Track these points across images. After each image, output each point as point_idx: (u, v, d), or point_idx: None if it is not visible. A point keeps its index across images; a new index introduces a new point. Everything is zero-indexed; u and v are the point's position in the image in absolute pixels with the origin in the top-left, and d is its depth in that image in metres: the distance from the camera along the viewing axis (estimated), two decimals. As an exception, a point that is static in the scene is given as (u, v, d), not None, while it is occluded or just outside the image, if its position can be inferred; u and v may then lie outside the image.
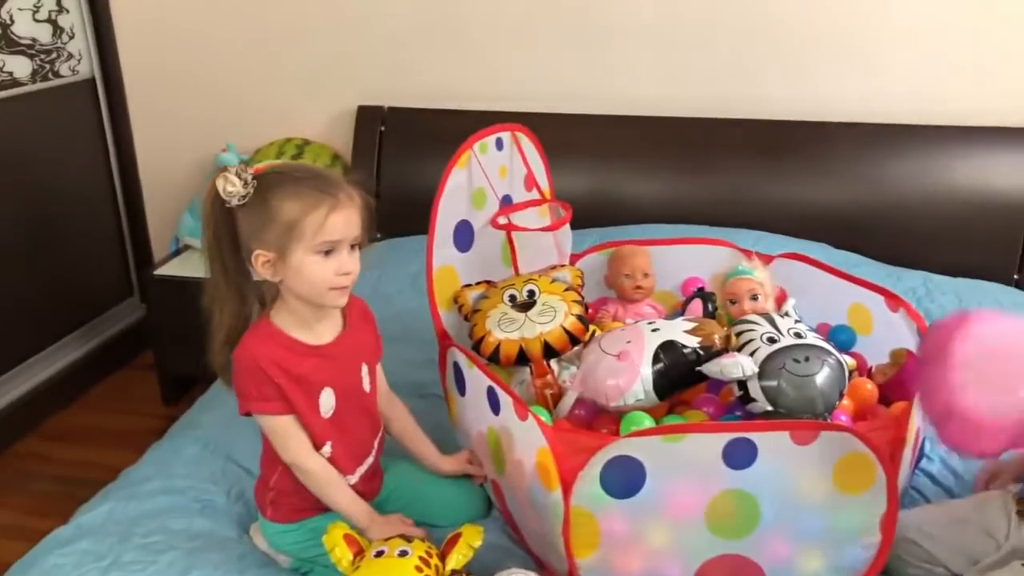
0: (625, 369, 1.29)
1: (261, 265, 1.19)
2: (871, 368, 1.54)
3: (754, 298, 1.61)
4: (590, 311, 1.74)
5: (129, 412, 2.65)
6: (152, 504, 1.42)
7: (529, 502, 1.23)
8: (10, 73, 2.42)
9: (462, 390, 1.42)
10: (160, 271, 2.58)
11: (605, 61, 2.49)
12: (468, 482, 1.45)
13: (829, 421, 1.25)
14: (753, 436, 1.11)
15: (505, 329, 1.42)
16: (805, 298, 1.59)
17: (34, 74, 2.51)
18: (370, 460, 1.35)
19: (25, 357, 2.55)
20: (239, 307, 1.25)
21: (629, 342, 1.32)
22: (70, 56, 2.63)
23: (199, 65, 2.75)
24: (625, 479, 1.13)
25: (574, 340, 1.42)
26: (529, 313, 1.43)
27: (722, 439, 1.11)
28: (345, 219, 1.18)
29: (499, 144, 1.56)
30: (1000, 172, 2.26)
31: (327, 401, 1.26)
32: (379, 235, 2.61)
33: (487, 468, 1.39)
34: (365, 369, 1.33)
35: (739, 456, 1.12)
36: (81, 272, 2.73)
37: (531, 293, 1.47)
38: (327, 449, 1.28)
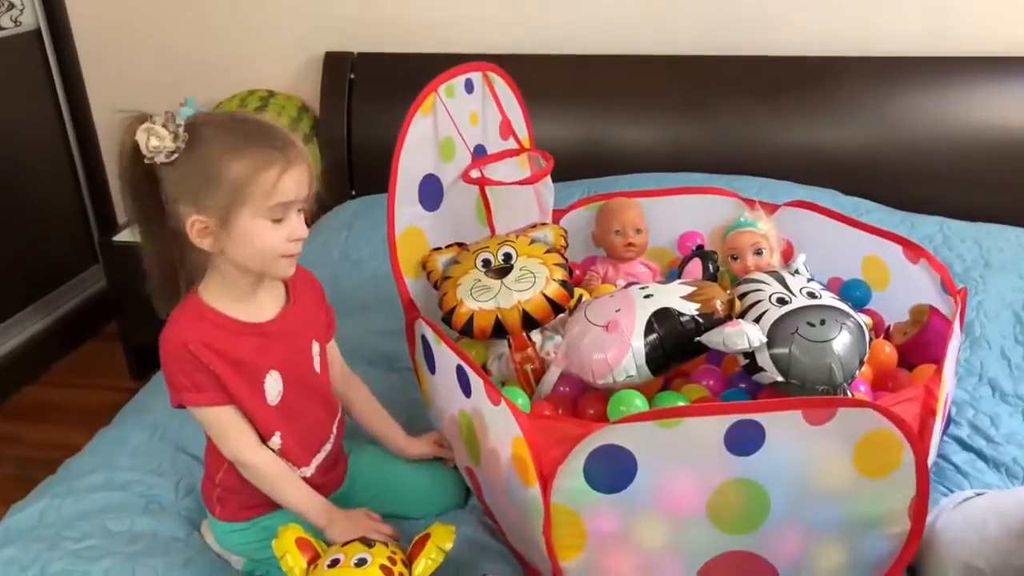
0: (614, 341, 1.13)
1: (197, 233, 1.03)
2: (889, 327, 1.38)
3: (758, 252, 1.45)
4: (576, 273, 1.58)
5: (96, 387, 2.50)
6: (90, 501, 1.28)
7: (506, 496, 1.09)
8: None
9: (432, 367, 1.26)
10: (120, 237, 2.41)
11: (590, -5, 2.29)
12: (442, 467, 1.31)
13: (848, 394, 1.09)
14: (760, 417, 0.96)
15: (479, 298, 1.26)
16: (814, 251, 1.43)
17: (-27, 27, 2.31)
18: (328, 447, 1.20)
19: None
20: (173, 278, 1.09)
21: (618, 311, 1.16)
22: (11, 6, 2.42)
23: (153, 13, 2.54)
24: (613, 471, 0.98)
25: (557, 308, 1.26)
26: (505, 280, 1.27)
27: (724, 422, 0.96)
28: (298, 179, 1.03)
29: (468, 86, 1.38)
30: (1021, 106, 2.08)
31: (273, 387, 1.11)
32: (353, 192, 2.43)
33: (460, 455, 1.24)
34: (316, 347, 1.18)
35: (744, 441, 0.97)
36: (39, 239, 2.56)
37: (507, 257, 1.30)
38: (276, 440, 1.12)
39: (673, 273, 1.57)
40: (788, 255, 1.55)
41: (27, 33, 2.49)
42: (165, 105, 2.55)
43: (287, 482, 1.13)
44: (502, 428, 1.05)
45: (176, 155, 0.99)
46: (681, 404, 1.14)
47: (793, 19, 2.21)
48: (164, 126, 0.99)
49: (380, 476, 1.28)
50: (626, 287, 1.24)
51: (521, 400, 1.14)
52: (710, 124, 2.22)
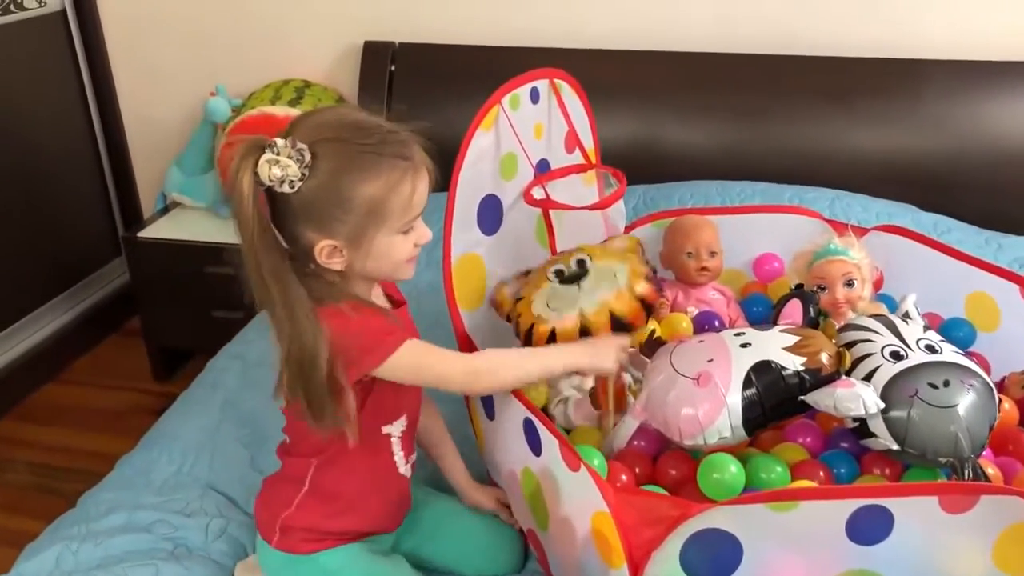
0: (706, 397, 0.99)
1: (327, 256, 0.95)
2: (1004, 379, 1.23)
3: (849, 284, 1.30)
4: (643, 296, 1.44)
5: (116, 388, 2.39)
6: (110, 547, 1.16)
7: (580, 572, 0.96)
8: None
9: (490, 413, 1.13)
10: (145, 232, 2.29)
11: (649, -13, 2.13)
12: (503, 524, 1.18)
13: (978, 469, 0.95)
14: (889, 503, 0.82)
15: (558, 308, 1.12)
16: (906, 282, 1.30)
17: (-4, 9, 2.18)
18: (412, 459, 1.13)
19: (-1, 328, 2.29)
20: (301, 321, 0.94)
21: (711, 360, 1.02)
22: (35, -14, 2.30)
23: (183, -5, 2.41)
24: (714, 558, 0.85)
25: (648, 308, 1.13)
26: (583, 283, 1.14)
27: (848, 507, 0.82)
28: (425, 184, 0.97)
29: (534, 96, 1.23)
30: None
31: None
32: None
33: (521, 515, 1.11)
34: None
35: (869, 528, 0.83)
36: (61, 231, 2.45)
37: (581, 263, 1.17)
38: (400, 424, 1.07)
39: (752, 301, 1.43)
40: (878, 286, 1.40)
41: (52, 14, 2.36)
42: (194, 92, 2.45)
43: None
44: (580, 498, 0.92)
45: (303, 181, 0.90)
46: (796, 483, 0.99)
47: (869, 18, 2.04)
48: (288, 155, 0.89)
49: (440, 524, 1.17)
50: (717, 331, 1.10)
51: (597, 461, 1.00)
52: (775, 129, 2.06)
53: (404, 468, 1.10)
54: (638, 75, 2.14)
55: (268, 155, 0.89)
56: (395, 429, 1.07)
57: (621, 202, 1.31)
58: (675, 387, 1.02)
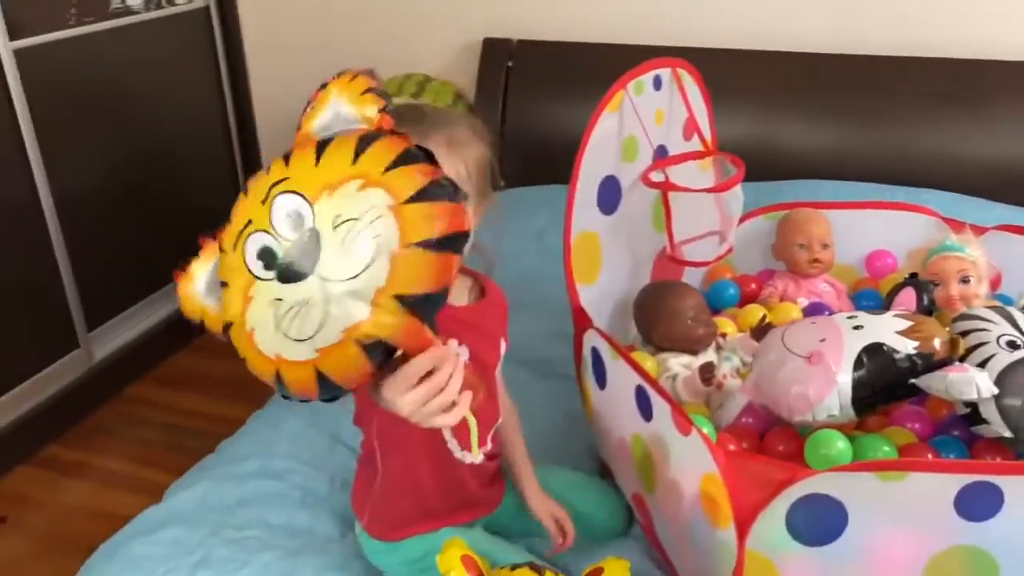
0: (817, 375, 1.02)
1: None
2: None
3: (964, 281, 1.31)
4: (753, 287, 1.47)
5: (240, 359, 2.55)
6: (249, 489, 1.27)
7: (686, 533, 1.00)
8: (123, 1, 2.29)
9: (601, 382, 1.18)
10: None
11: (768, -13, 2.14)
12: (608, 489, 1.23)
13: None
14: (1000, 480, 0.84)
15: None
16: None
17: (147, 2, 2.37)
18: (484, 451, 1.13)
19: (138, 299, 2.48)
20: None
21: (823, 340, 1.05)
22: (184, -17, 2.49)
23: (316, -7, 2.56)
24: (820, 523, 0.88)
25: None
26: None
27: (957, 482, 0.84)
28: (458, 170, 0.99)
29: (656, 83, 1.29)
30: None
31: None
32: (502, 183, 2.38)
33: (628, 480, 1.16)
34: (503, 347, 1.12)
35: (978, 504, 0.85)
36: (193, 212, 2.63)
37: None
38: None
39: (863, 296, 1.44)
40: (996, 285, 1.40)
41: (198, 10, 2.55)
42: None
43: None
44: (689, 461, 0.96)
45: None
46: (899, 456, 1.01)
47: (990, 19, 2.01)
48: None
49: (546, 490, 1.21)
50: (829, 315, 1.13)
51: (707, 429, 1.05)
52: (893, 131, 2.04)
53: (461, 454, 1.07)
54: (755, 74, 2.16)
55: None
56: None
57: (739, 189, 1.34)
58: (786, 365, 1.06)
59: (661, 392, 1.01)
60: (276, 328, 0.75)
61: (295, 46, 2.63)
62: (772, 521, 0.88)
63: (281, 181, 0.78)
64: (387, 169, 0.74)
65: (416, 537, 1.09)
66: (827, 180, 1.94)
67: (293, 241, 0.76)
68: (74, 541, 1.56)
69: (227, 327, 0.80)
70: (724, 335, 1.32)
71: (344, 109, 0.81)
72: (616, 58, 2.20)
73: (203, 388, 2.42)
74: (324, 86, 0.84)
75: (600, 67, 1.23)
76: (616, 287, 1.30)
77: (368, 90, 0.81)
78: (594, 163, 1.20)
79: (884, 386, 1.02)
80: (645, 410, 1.05)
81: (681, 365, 1.25)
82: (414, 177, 0.73)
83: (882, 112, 2.04)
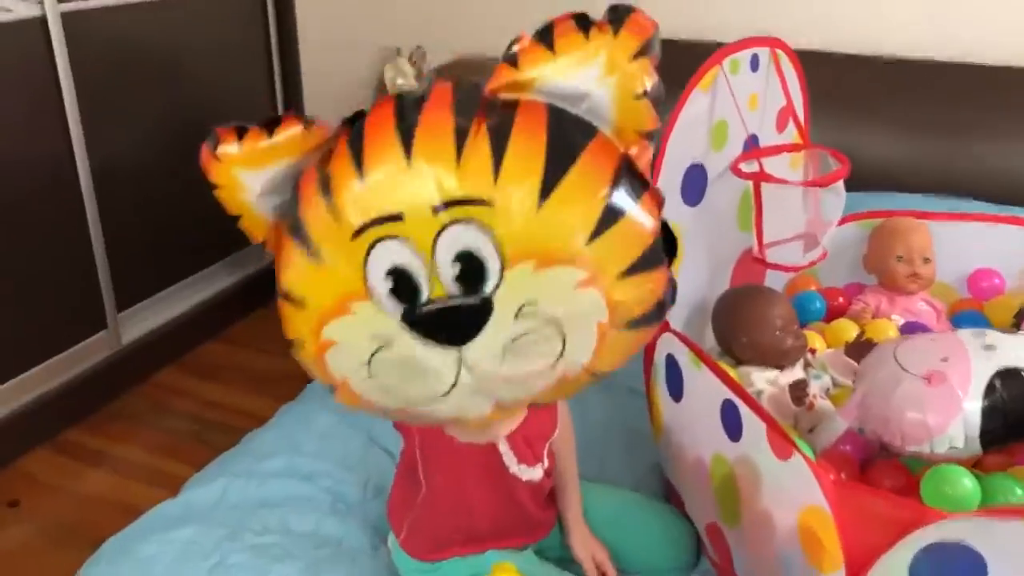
0: (939, 400, 0.88)
1: None
2: None
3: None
4: (840, 301, 1.33)
5: (273, 353, 2.44)
6: (273, 489, 1.15)
7: (779, 571, 0.86)
8: (177, -27, 2.21)
9: (676, 394, 1.04)
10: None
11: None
12: (675, 516, 1.08)
13: None
14: None
15: None
16: None
17: (200, -23, 2.29)
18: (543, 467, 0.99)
19: (172, 282, 2.38)
20: None
21: (945, 360, 0.90)
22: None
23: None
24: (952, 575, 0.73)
25: None
26: None
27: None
28: None
29: (754, 63, 1.15)
30: None
31: None
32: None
33: (702, 508, 1.02)
34: None
35: None
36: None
37: None
38: None
39: (965, 318, 1.28)
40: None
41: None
42: (372, 66, 2.47)
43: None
44: (788, 490, 0.82)
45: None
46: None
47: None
48: (410, 61, 0.82)
49: (609, 515, 1.07)
50: (951, 331, 0.98)
51: (810, 454, 0.90)
52: (987, 144, 1.88)
53: (518, 469, 0.94)
54: (838, 79, 2.00)
55: (393, 61, 0.83)
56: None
57: (842, 187, 1.20)
58: (901, 385, 0.91)
59: (756, 408, 0.87)
60: (369, 371, 0.65)
61: (351, 35, 2.53)
62: (893, 569, 0.74)
63: (471, 202, 0.59)
64: (626, 273, 0.62)
65: (460, 559, 0.96)
66: (914, 193, 1.79)
67: (453, 296, 0.62)
68: (87, 533, 1.45)
69: (286, 295, 0.66)
70: (813, 351, 1.17)
71: (598, 80, 0.60)
72: (693, 55, 2.08)
73: (233, 380, 2.32)
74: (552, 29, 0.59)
75: (676, 63, 1.09)
76: (694, 288, 1.17)
77: (641, 52, 0.59)
78: (680, 147, 1.07)
79: (1017, 418, 0.86)
80: (733, 428, 0.91)
81: (766, 380, 1.11)
82: (646, 287, 0.64)
83: (976, 124, 1.88)
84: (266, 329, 2.55)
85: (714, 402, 0.94)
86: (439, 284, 0.61)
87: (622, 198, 0.61)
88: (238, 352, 2.45)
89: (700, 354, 0.97)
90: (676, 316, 1.15)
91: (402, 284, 0.62)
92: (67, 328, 2.08)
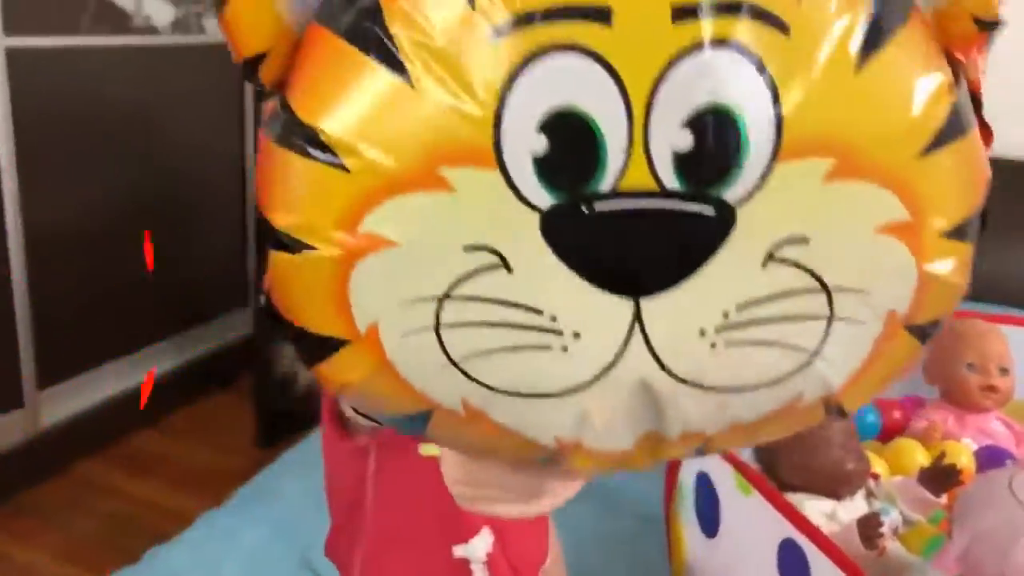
0: (1085, 553, 0.64)
1: None
2: None
3: None
4: (897, 416, 1.09)
5: (215, 446, 2.16)
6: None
7: None
8: (148, 17, 2.03)
9: (710, 526, 0.79)
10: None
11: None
12: None
13: None
14: None
15: None
16: None
17: (175, 25, 2.11)
18: None
19: (103, 361, 2.10)
20: None
21: (1088, 497, 0.67)
22: (221, 15, 2.24)
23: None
24: None
25: None
26: None
27: None
28: None
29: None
30: None
31: None
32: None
33: None
34: None
35: None
36: (186, 272, 2.29)
37: None
38: (484, 542, 0.68)
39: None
40: None
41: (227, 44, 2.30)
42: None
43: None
44: None
45: None
46: None
47: None
48: None
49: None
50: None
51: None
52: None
53: None
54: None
55: None
56: (475, 550, 0.70)
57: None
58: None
59: (832, 551, 0.63)
60: (441, 314, 0.32)
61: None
62: None
63: (758, 14, 0.30)
64: (953, 232, 0.33)
65: None
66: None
67: (668, 192, 0.30)
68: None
69: (325, 143, 0.32)
70: (876, 476, 0.93)
71: None
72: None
73: (165, 476, 2.03)
74: None
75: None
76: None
77: None
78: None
79: None
80: (796, 572, 0.66)
81: (822, 514, 0.86)
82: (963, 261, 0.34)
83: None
84: (209, 420, 2.31)
85: (768, 541, 0.69)
86: (641, 164, 0.31)
87: (967, 107, 0.34)
88: (174, 444, 2.16)
89: (750, 476, 0.73)
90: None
91: (569, 147, 0.31)
92: (-24, 402, 1.80)
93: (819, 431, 0.88)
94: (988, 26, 0.34)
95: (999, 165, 0.36)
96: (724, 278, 0.31)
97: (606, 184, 0.30)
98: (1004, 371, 1.06)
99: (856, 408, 0.36)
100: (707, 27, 0.29)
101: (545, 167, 0.30)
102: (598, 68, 0.30)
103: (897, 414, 1.10)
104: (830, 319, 0.32)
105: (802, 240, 0.32)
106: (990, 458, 0.99)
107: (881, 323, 0.33)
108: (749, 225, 0.31)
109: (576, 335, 0.32)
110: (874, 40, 0.31)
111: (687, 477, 0.83)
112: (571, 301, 0.32)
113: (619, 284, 0.31)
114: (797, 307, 0.32)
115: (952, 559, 0.71)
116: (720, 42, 0.30)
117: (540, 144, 0.30)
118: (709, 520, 0.79)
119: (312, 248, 0.32)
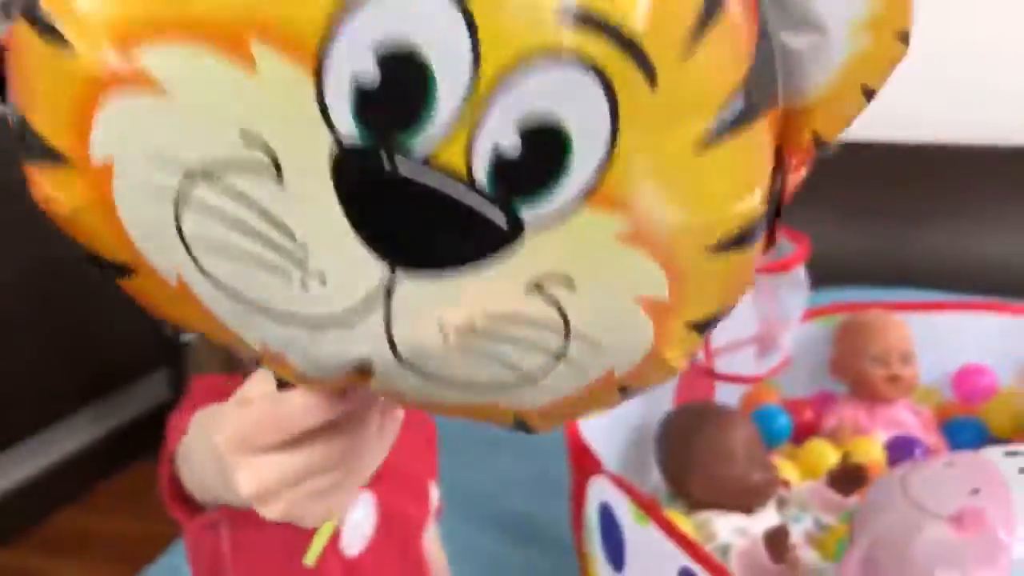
0: (978, 549, 0.62)
1: None
2: None
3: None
4: (808, 415, 1.08)
5: (143, 518, 2.07)
6: None
7: None
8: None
9: (616, 558, 0.76)
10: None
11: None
12: None
13: None
14: None
15: None
16: None
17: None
18: None
19: (14, 441, 2.00)
20: None
21: (976, 491, 0.65)
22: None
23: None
24: None
25: None
26: None
27: None
28: None
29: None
30: None
31: None
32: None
33: None
34: (435, 496, 0.73)
35: None
36: (103, 331, 2.20)
37: None
38: None
39: (960, 427, 1.05)
40: None
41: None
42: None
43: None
44: None
45: None
46: None
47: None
48: None
49: None
50: (974, 452, 0.73)
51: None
52: (945, 232, 1.73)
53: None
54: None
55: None
56: None
57: (802, 275, 0.97)
58: (922, 533, 0.65)
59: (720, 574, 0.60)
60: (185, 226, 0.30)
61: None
62: None
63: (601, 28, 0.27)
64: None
65: None
66: (867, 287, 1.59)
67: (471, 185, 0.29)
68: None
69: None
70: (787, 484, 0.91)
71: None
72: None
73: (94, 555, 1.94)
74: None
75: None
76: (630, 410, 0.91)
77: None
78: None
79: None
80: (697, 611, 0.63)
81: (733, 530, 0.83)
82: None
83: (934, 211, 1.73)
84: (136, 490, 2.21)
85: (666, 570, 0.66)
86: (460, 145, 0.28)
87: (766, 217, 0.34)
88: (101, 519, 2.07)
89: (643, 503, 0.70)
90: (612, 447, 0.89)
91: (398, 91, 0.28)
92: None
93: (720, 445, 0.86)
94: (821, 146, 0.35)
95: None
96: (485, 287, 0.31)
97: (419, 148, 0.28)
98: (906, 360, 1.05)
99: (542, 429, 0.38)
100: (587, 43, 0.27)
101: (365, 100, 0.27)
102: (462, 20, 0.26)
103: (809, 414, 1.09)
104: (559, 357, 0.33)
105: (570, 284, 0.31)
106: (900, 448, 0.98)
107: (598, 375, 0.34)
108: (532, 251, 0.30)
109: (321, 277, 0.30)
110: (726, 128, 0.30)
111: (592, 508, 0.80)
112: (329, 242, 0.30)
113: (386, 248, 0.30)
114: (538, 338, 0.32)
115: (853, 566, 0.69)
116: (590, 64, 0.27)
117: (369, 73, 0.27)
118: (615, 553, 0.76)
119: (72, 48, 0.27)
